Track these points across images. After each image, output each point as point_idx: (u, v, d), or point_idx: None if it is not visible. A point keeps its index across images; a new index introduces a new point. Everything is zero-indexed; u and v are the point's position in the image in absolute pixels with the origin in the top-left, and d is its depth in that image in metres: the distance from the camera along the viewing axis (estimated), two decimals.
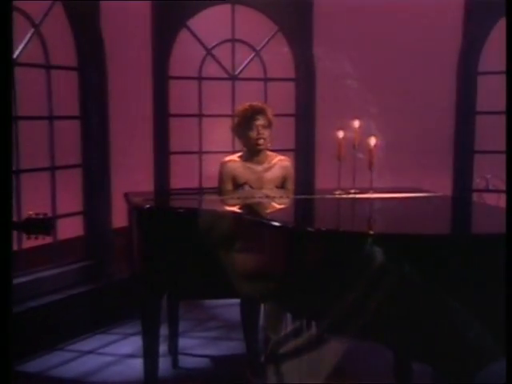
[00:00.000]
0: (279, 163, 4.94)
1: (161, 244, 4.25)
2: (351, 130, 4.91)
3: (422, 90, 7.11)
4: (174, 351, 5.34)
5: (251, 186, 4.86)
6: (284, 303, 3.97)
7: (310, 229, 3.69)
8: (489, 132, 6.88)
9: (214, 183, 6.49)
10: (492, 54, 6.90)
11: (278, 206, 4.71)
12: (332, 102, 7.17)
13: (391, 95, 7.10)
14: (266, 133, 4.82)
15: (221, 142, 7.02)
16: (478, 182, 6.81)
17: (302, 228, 3.78)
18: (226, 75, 7.16)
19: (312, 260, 3.61)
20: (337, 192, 4.81)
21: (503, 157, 5.02)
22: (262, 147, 4.85)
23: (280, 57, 7.21)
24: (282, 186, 4.97)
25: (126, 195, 4.84)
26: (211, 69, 7.06)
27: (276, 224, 3.78)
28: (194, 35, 6.99)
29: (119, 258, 6.21)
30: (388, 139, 5.98)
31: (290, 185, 5.02)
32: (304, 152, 7.14)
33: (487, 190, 6.78)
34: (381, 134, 6.61)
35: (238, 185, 4.87)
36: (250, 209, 4.53)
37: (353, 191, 4.85)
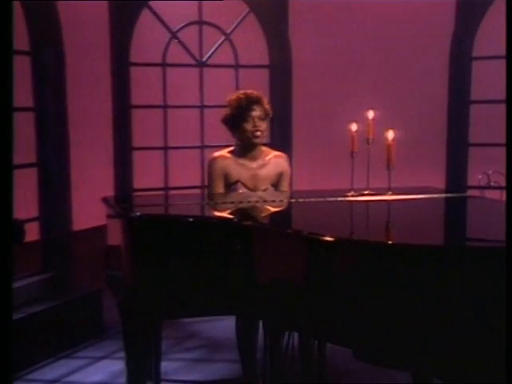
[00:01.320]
0: (274, 159, 4.56)
1: (159, 259, 3.64)
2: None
3: (412, 78, 6.69)
4: (155, 377, 4.63)
5: (244, 185, 4.47)
6: (293, 321, 3.46)
7: (330, 238, 3.14)
8: (484, 123, 6.47)
9: (181, 181, 6.30)
10: (487, 38, 6.50)
11: (286, 211, 4.23)
12: (311, 92, 6.74)
13: (377, 85, 6.67)
14: (263, 125, 4.42)
15: (188, 135, 6.64)
16: (479, 178, 6.32)
17: (322, 237, 3.19)
18: (193, 61, 6.67)
19: (330, 272, 3.17)
20: (350, 193, 4.32)
21: (500, 150, 4.73)
22: (258, 141, 4.44)
23: (252, 41, 6.75)
24: (277, 184, 4.57)
25: (104, 200, 4.26)
26: (177, 54, 6.58)
27: (291, 232, 3.42)
28: (157, 17, 6.46)
29: (83, 267, 5.60)
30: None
31: (286, 183, 4.60)
32: (280, 147, 6.42)
33: (489, 187, 6.28)
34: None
35: (229, 183, 4.46)
36: (257, 215, 4.04)
37: (367, 192, 4.36)
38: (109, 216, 4.15)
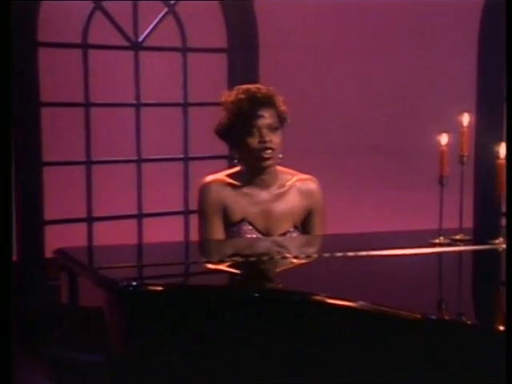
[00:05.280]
0: (298, 186, 3.60)
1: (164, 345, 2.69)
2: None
3: (425, 78, 5.58)
4: None
5: (252, 225, 3.55)
6: None
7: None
8: None
9: (110, 208, 5.29)
10: None
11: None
12: (282, 84, 5.26)
13: (377, 73, 5.56)
14: (275, 138, 3.44)
15: (120, 145, 5.46)
16: None
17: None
18: (125, 42, 5.39)
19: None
20: (437, 239, 3.21)
21: None
22: (269, 162, 3.47)
23: (205, 15, 5.54)
24: (304, 224, 3.62)
25: (58, 253, 3.22)
26: (102, 32, 5.37)
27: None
28: None
29: None
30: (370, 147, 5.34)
31: (319, 224, 3.61)
32: None
33: None
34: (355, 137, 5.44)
35: (230, 222, 3.55)
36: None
37: (459, 237, 3.24)
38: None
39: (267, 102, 3.44)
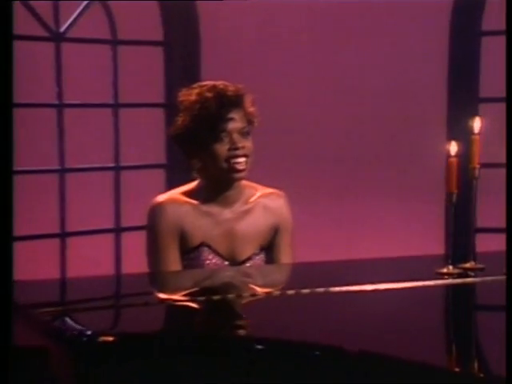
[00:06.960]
0: (264, 201, 3.27)
1: None
2: None
3: (391, 71, 5.13)
4: None
5: (213, 249, 3.20)
6: None
7: None
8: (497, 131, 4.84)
9: (28, 228, 4.69)
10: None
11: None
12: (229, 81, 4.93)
13: (343, 71, 5.12)
14: (247, 144, 3.14)
15: (39, 152, 4.88)
16: None
17: None
18: (45, 33, 4.86)
19: None
20: (445, 269, 2.78)
21: None
22: (241, 174, 3.14)
23: (139, 5, 5.01)
24: (270, 244, 3.30)
25: None
26: (19, 21, 4.46)
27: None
28: None
29: None
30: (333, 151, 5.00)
31: (286, 244, 3.28)
32: (183, 169, 4.79)
33: None
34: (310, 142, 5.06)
35: (188, 248, 3.18)
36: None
37: (469, 265, 2.87)
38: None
39: (237, 102, 3.07)
